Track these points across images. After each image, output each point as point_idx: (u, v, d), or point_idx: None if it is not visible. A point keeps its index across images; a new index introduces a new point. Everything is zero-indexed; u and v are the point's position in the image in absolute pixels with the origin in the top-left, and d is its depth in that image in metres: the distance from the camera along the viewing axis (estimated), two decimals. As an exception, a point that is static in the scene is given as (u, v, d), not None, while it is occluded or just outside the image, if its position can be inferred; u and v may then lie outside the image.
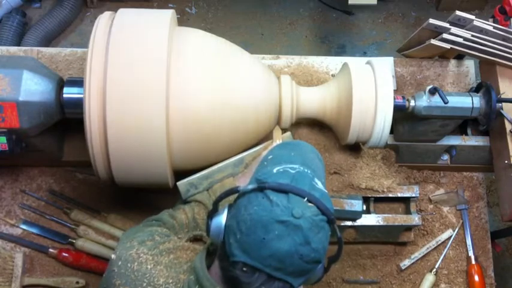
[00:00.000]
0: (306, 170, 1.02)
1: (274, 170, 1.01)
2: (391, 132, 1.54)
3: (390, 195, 1.57)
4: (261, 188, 0.95)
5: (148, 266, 1.07)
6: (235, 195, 1.02)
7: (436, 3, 3.02)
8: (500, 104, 1.53)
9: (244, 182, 1.33)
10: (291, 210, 0.92)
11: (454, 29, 1.53)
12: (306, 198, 0.95)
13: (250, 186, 0.97)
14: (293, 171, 1.00)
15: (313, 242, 0.92)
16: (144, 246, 1.11)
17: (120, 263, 1.09)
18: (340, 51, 2.93)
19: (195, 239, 1.24)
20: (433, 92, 1.45)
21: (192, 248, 1.16)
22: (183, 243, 1.17)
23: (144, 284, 1.05)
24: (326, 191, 1.01)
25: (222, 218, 1.00)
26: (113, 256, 1.11)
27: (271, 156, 1.09)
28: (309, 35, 2.96)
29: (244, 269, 0.93)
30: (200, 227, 1.30)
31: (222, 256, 0.99)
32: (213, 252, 1.07)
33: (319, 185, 1.01)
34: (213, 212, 1.03)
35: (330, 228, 0.97)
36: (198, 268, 1.03)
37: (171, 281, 1.05)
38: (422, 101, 1.47)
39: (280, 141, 1.41)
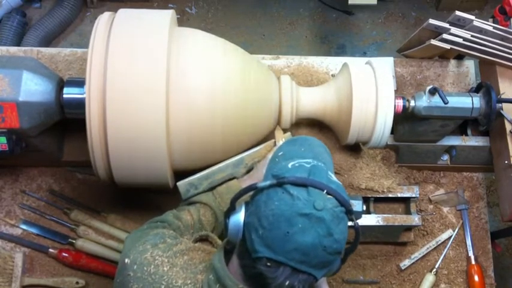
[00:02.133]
0: (319, 164, 1.02)
1: (289, 165, 1.01)
2: (391, 132, 1.54)
3: (390, 195, 1.57)
4: (280, 183, 0.96)
5: (165, 268, 1.07)
6: (241, 193, 1.02)
7: (436, 3, 3.02)
8: (500, 104, 1.53)
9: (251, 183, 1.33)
10: (313, 203, 0.93)
11: (453, 29, 1.53)
12: (325, 191, 0.95)
13: (269, 182, 0.97)
14: (308, 165, 1.00)
15: (336, 233, 0.94)
16: (158, 249, 1.11)
17: (135, 267, 1.08)
18: (340, 51, 2.93)
19: (201, 240, 1.23)
20: (433, 92, 1.45)
21: (203, 248, 1.16)
22: (193, 244, 1.17)
23: (163, 287, 1.05)
24: (340, 183, 1.02)
25: (239, 216, 1.00)
26: (126, 260, 1.10)
27: (281, 153, 1.09)
28: (309, 35, 2.96)
29: (268, 264, 0.93)
30: (205, 228, 1.30)
31: (243, 254, 0.99)
32: (230, 251, 1.06)
33: (333, 177, 1.02)
34: (230, 211, 1.03)
35: (348, 219, 0.99)
36: (218, 268, 1.03)
37: (189, 281, 1.05)
38: (422, 101, 1.46)
39: (283, 141, 1.40)
